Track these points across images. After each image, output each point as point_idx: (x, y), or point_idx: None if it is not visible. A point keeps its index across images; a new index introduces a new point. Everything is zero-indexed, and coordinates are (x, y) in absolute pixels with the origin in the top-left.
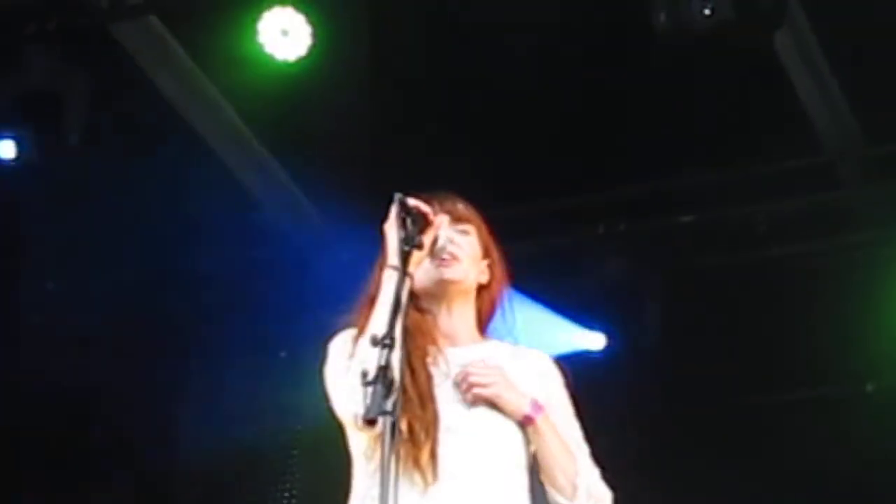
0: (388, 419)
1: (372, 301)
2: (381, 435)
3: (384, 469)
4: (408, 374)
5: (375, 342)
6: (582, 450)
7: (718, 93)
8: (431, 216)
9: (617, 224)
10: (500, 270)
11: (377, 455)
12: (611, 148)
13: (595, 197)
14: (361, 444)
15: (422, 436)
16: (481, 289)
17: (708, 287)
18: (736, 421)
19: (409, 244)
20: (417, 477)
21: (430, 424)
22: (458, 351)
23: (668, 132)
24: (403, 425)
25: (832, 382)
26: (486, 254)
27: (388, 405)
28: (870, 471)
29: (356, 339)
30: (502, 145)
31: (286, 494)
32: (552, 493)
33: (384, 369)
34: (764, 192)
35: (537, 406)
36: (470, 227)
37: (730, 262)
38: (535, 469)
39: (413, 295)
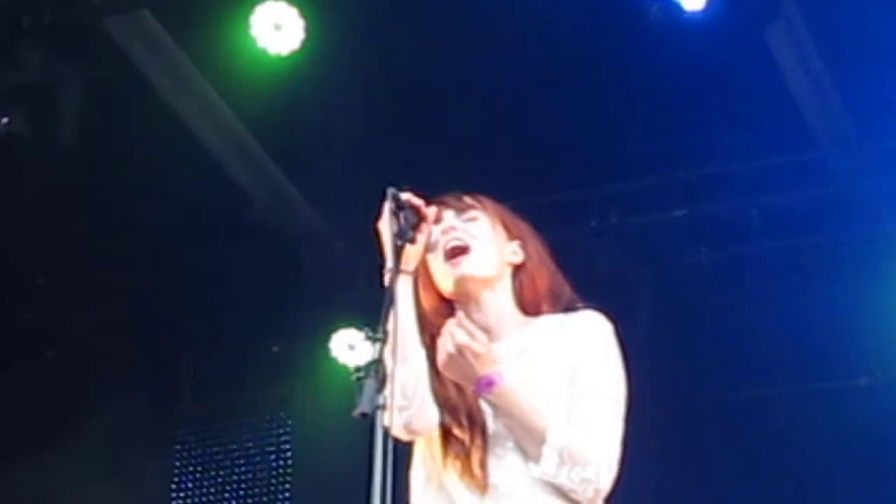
0: (380, 414)
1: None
2: (431, 446)
3: (374, 461)
4: (453, 388)
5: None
6: (592, 410)
7: (710, 86)
8: (423, 209)
9: (608, 218)
10: (534, 248)
11: (430, 467)
12: (602, 142)
13: (586, 191)
14: (418, 457)
15: (470, 448)
16: (517, 269)
17: (700, 281)
18: (729, 415)
19: (403, 239)
20: (472, 487)
21: (477, 435)
22: (498, 346)
23: (660, 126)
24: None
25: (825, 376)
26: (513, 234)
27: (381, 400)
28: (864, 464)
29: None
30: (494, 140)
31: (281, 487)
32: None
33: (376, 363)
34: (756, 186)
35: (486, 382)
36: (477, 213)
37: (722, 256)
38: None
39: (451, 305)
